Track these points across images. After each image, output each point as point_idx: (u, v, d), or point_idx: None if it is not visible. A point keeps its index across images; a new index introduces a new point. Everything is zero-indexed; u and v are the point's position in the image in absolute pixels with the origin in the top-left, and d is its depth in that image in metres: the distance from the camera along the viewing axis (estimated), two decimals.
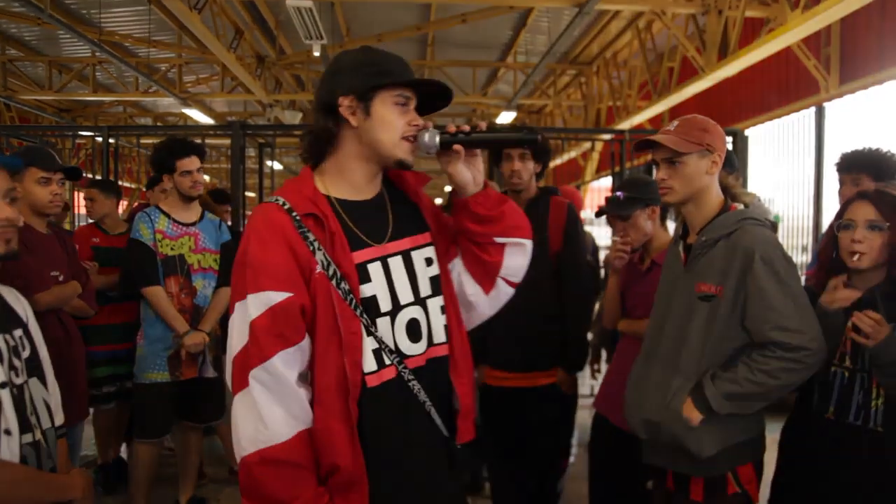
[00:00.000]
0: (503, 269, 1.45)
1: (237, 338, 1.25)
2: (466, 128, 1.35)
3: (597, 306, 3.64)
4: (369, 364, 1.28)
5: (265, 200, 1.37)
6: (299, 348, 1.25)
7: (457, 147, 1.35)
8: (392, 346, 1.30)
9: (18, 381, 1.40)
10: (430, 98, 1.40)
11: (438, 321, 1.38)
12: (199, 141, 5.62)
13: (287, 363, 1.23)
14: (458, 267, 1.48)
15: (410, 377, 1.31)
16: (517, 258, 1.46)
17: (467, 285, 1.47)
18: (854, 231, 1.73)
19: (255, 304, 1.23)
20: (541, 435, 2.76)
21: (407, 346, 1.33)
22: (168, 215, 3.01)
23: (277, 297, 1.23)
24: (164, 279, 2.93)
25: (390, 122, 1.31)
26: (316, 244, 1.26)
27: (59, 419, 1.55)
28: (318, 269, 1.26)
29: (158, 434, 3.00)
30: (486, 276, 1.46)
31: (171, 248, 2.97)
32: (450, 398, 1.39)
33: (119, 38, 8.52)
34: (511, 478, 2.86)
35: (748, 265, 1.64)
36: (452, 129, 1.35)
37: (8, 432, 1.33)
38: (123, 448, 3.82)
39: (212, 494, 3.63)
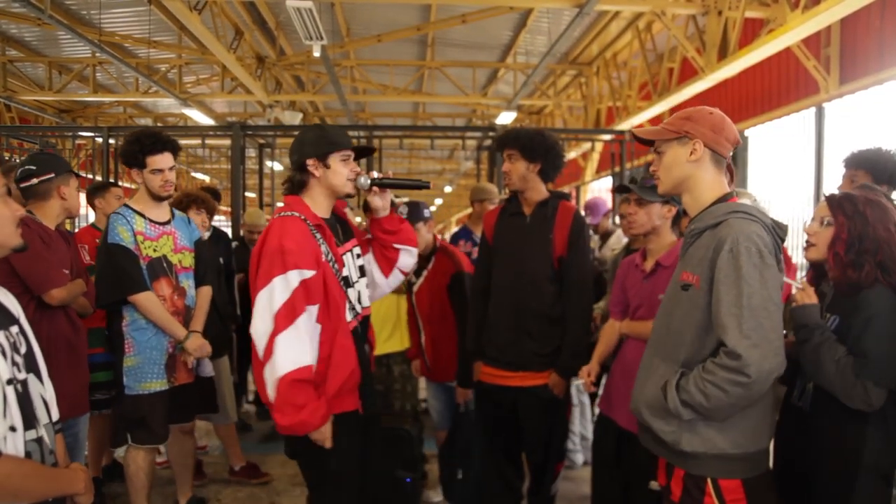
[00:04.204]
0: (398, 263, 2.36)
1: (279, 298, 1.95)
2: (377, 175, 2.23)
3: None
4: (348, 317, 2.12)
5: (283, 215, 2.08)
6: (316, 306, 2.02)
7: (374, 188, 2.22)
8: (356, 306, 2.19)
9: (21, 376, 1.42)
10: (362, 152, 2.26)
11: (365, 293, 2.29)
12: (197, 141, 5.62)
13: (311, 315, 2.01)
14: (369, 260, 2.36)
15: (358, 325, 2.18)
16: (407, 258, 2.37)
17: (375, 272, 2.36)
18: (810, 226, 1.98)
19: (296, 278, 1.96)
20: (533, 437, 2.77)
21: (359, 308, 2.22)
22: (142, 215, 2.82)
23: (309, 273, 2.00)
24: (152, 283, 2.77)
25: (340, 172, 2.13)
26: (322, 241, 2.07)
27: (55, 415, 1.56)
28: (324, 257, 2.05)
29: (159, 441, 2.86)
30: (388, 266, 2.36)
31: (154, 250, 2.80)
32: (366, 339, 2.30)
33: (119, 38, 8.53)
34: (501, 478, 2.86)
35: (717, 255, 1.60)
36: (374, 175, 2.21)
37: (13, 429, 1.34)
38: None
39: (212, 494, 3.63)
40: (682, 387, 1.62)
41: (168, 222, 2.91)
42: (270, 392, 1.95)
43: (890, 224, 1.86)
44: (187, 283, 2.93)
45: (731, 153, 1.76)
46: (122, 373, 2.78)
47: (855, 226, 1.85)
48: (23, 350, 1.47)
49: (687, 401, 1.60)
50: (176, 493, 3.25)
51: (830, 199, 1.94)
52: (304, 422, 1.96)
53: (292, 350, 1.94)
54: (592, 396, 4.06)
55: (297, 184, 2.15)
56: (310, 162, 2.10)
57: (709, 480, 1.65)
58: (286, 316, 1.94)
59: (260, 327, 1.97)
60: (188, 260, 2.95)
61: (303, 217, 2.06)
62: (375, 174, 2.22)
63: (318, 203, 2.16)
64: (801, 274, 6.05)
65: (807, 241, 1.98)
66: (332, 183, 2.13)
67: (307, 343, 1.98)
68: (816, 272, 2.05)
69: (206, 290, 3.01)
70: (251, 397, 5.36)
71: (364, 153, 2.30)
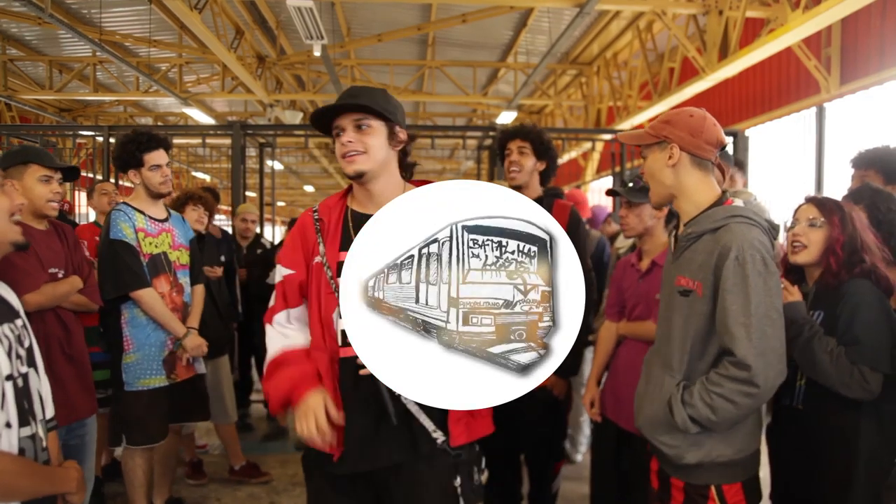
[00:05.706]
0: None
1: (273, 295, 1.75)
2: None
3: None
4: (341, 339, 1.63)
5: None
6: (297, 310, 1.72)
7: None
8: None
9: (23, 370, 1.42)
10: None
11: None
12: (197, 140, 5.61)
13: (287, 318, 1.72)
14: None
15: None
16: None
17: None
18: (796, 228, 1.99)
19: (279, 273, 1.74)
20: (532, 438, 2.76)
21: None
22: (143, 212, 2.84)
23: (286, 271, 1.72)
24: (151, 279, 2.77)
25: (336, 152, 1.68)
26: (321, 239, 1.68)
27: (50, 411, 1.56)
28: (318, 258, 1.67)
29: (155, 440, 2.83)
30: None
31: (155, 246, 2.83)
32: None
33: (119, 37, 8.53)
34: (501, 481, 2.86)
35: (722, 263, 1.56)
36: None
37: (8, 425, 1.34)
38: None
39: (212, 494, 3.63)
40: (686, 402, 1.59)
41: (166, 219, 2.94)
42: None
43: (865, 225, 1.93)
44: (184, 280, 2.95)
45: (717, 154, 1.69)
46: (122, 370, 2.77)
47: (846, 227, 1.90)
48: (26, 343, 1.48)
49: (693, 416, 1.57)
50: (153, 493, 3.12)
51: (821, 201, 1.96)
52: (275, 388, 1.66)
53: (272, 343, 1.72)
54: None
55: None
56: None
57: (712, 487, 1.64)
58: (269, 311, 1.75)
59: None
60: (185, 257, 2.97)
61: (314, 208, 1.78)
62: None
63: (357, 194, 1.76)
64: None
65: (794, 244, 1.97)
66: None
67: (286, 341, 1.71)
68: (791, 273, 2.06)
69: (200, 289, 3.04)
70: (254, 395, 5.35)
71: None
